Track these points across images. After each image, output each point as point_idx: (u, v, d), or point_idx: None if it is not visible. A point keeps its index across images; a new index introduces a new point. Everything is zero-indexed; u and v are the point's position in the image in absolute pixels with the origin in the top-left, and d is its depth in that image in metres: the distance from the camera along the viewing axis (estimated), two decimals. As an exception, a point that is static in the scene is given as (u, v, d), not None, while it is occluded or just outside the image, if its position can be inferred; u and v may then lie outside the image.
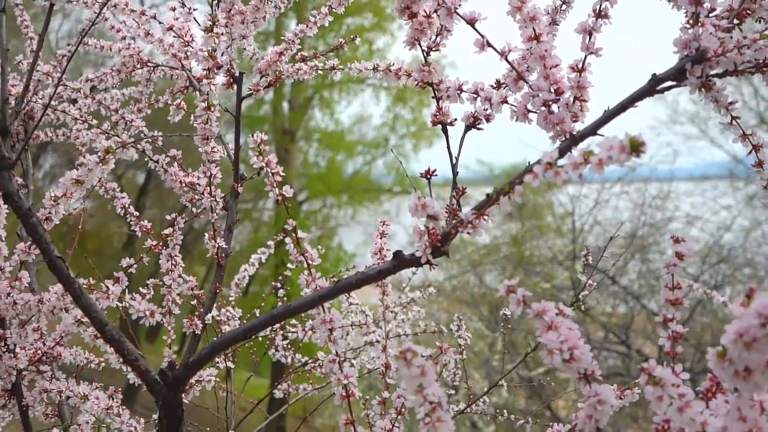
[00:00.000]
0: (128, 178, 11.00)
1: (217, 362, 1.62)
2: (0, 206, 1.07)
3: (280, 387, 1.94)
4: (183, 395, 1.01)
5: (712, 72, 0.78)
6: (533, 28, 0.85)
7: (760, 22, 0.82)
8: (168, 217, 1.22)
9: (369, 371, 1.67)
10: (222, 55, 1.25)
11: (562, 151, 0.79)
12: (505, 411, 1.93)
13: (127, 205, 1.35)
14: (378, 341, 1.60)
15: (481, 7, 0.89)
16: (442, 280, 8.95)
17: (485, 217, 0.79)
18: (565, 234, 8.96)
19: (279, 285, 2.05)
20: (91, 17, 1.44)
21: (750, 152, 0.83)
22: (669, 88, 0.79)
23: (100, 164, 1.05)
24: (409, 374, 0.63)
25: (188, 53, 1.32)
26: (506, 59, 0.87)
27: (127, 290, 1.15)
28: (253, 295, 8.28)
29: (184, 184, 1.28)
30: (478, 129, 0.98)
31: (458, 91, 0.95)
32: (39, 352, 1.20)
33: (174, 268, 1.23)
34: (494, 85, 0.95)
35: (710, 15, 0.79)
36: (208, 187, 1.25)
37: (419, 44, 0.95)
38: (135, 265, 1.18)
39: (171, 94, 1.49)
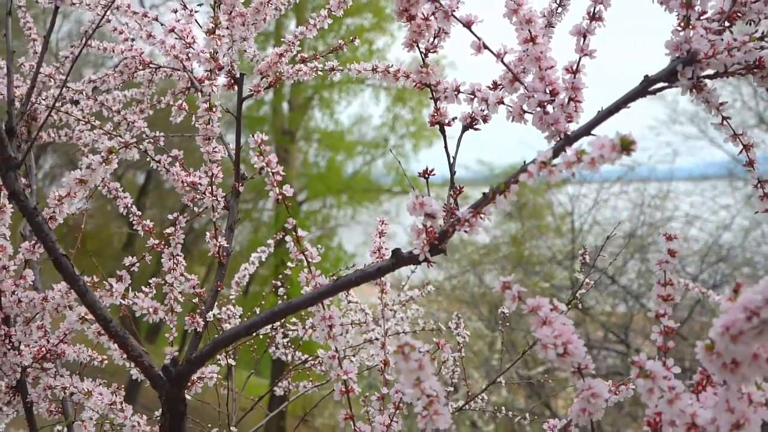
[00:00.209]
0: (128, 178, 11.02)
1: (219, 359, 1.64)
2: (5, 205, 1.09)
3: (280, 384, 1.96)
4: (185, 391, 1.03)
5: (703, 73, 0.79)
6: (529, 31, 0.87)
7: (750, 24, 0.84)
8: (170, 217, 1.24)
9: (368, 368, 1.69)
10: (223, 56, 1.26)
11: (557, 151, 0.81)
12: (503, 408, 1.95)
13: (129, 205, 1.37)
14: (377, 339, 1.62)
15: (479, 9, 0.90)
16: (441, 279, 8.97)
17: (482, 216, 0.81)
18: (565, 234, 8.99)
19: (279, 284, 2.07)
20: (93, 19, 1.46)
21: (741, 152, 0.84)
22: (661, 89, 0.80)
23: (104, 164, 1.07)
24: (407, 368, 0.65)
25: (190, 55, 1.34)
26: (502, 61, 0.89)
27: (130, 288, 1.17)
28: (253, 294, 8.30)
29: (185, 184, 1.29)
30: (475, 129, 0.99)
31: (455, 92, 0.97)
32: (43, 349, 1.21)
33: (176, 266, 1.25)
34: (491, 86, 0.96)
35: (701, 18, 0.81)
36: (210, 187, 1.27)
37: (417, 46, 0.97)
38: (138, 264, 1.20)
39: (173, 95, 1.51)
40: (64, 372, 1.24)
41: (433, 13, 0.89)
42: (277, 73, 1.40)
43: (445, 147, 0.98)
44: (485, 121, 0.99)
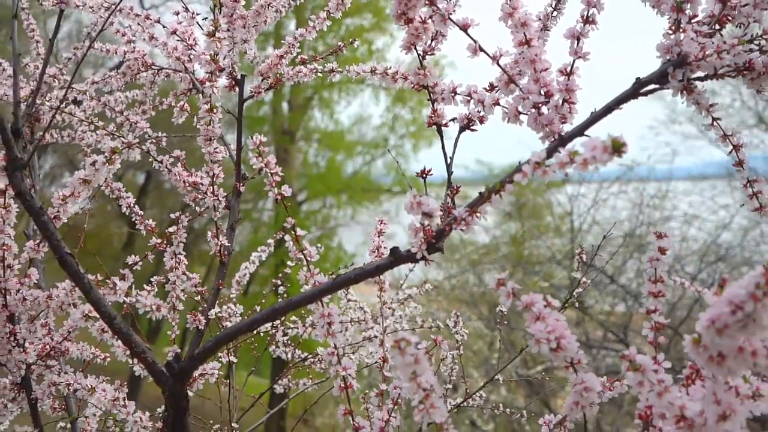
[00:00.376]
0: (128, 178, 11.03)
1: (220, 357, 1.66)
2: (11, 205, 1.10)
3: (280, 382, 1.98)
4: (187, 388, 1.05)
5: (694, 75, 0.81)
6: (524, 33, 0.89)
7: (740, 27, 0.85)
8: (172, 216, 1.26)
9: (367, 365, 1.71)
10: (224, 58, 1.28)
11: (551, 152, 0.83)
12: (500, 405, 1.97)
13: (132, 204, 1.39)
14: (376, 337, 1.64)
15: (477, 12, 0.92)
16: (441, 279, 8.99)
17: (478, 215, 0.83)
18: (564, 234, 9.01)
19: (279, 283, 2.09)
20: (95, 21, 1.48)
21: (730, 152, 0.86)
22: (652, 91, 0.82)
23: (107, 164, 1.09)
24: (403, 362, 0.67)
25: (191, 56, 1.36)
26: (498, 64, 0.91)
27: (133, 287, 1.19)
28: (253, 294, 8.33)
29: (187, 184, 1.31)
30: (472, 130, 1.01)
31: (452, 94, 0.99)
32: (47, 347, 1.23)
33: (178, 265, 1.27)
34: (487, 88, 0.98)
35: (692, 21, 0.83)
36: (211, 187, 1.29)
37: (415, 48, 0.99)
38: (140, 262, 1.22)
39: (174, 96, 1.53)
40: (68, 369, 1.26)
41: (431, 17, 0.91)
42: (278, 75, 1.42)
43: (443, 147, 1.00)
44: (482, 122, 1.01)
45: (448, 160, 1.01)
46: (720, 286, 0.60)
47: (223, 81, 1.36)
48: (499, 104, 0.95)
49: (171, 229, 1.24)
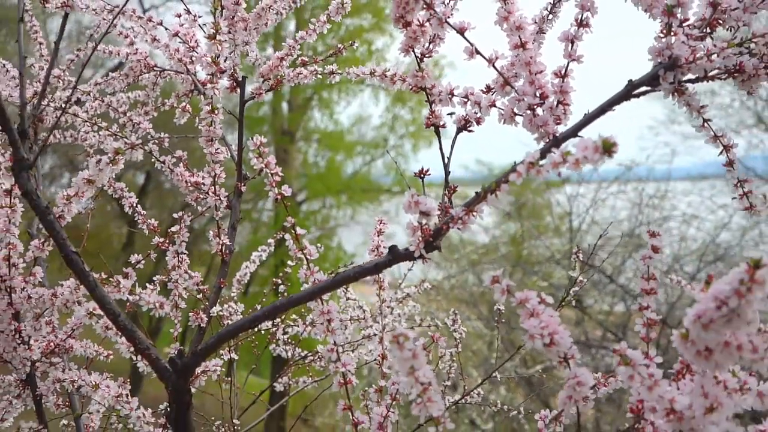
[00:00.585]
0: (128, 179, 11.05)
1: (222, 354, 1.68)
2: (16, 205, 1.12)
3: (280, 380, 2.00)
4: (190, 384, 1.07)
5: (685, 78, 0.83)
6: (519, 37, 0.91)
7: (730, 30, 0.87)
8: (174, 216, 1.28)
9: (366, 362, 1.73)
10: (225, 60, 1.30)
11: (545, 152, 0.85)
12: (498, 402, 1.99)
13: (134, 204, 1.41)
14: (375, 335, 1.66)
15: (475, 14, 0.94)
16: (440, 279, 9.00)
17: (474, 214, 0.85)
18: (563, 234, 9.02)
19: (279, 282, 2.11)
20: (97, 22, 1.50)
21: (721, 153, 0.88)
22: (644, 93, 0.84)
23: (111, 164, 1.11)
24: (401, 357, 0.69)
25: (193, 58, 1.38)
26: (494, 66, 0.93)
27: (136, 285, 1.21)
28: (253, 294, 8.35)
29: (189, 184, 1.33)
30: (469, 131, 1.03)
31: (449, 96, 1.01)
32: (51, 344, 1.25)
33: (180, 264, 1.29)
34: (484, 90, 1.00)
35: (683, 24, 0.85)
36: (213, 187, 1.31)
37: (413, 51, 1.01)
38: (143, 261, 1.24)
39: (176, 98, 1.55)
40: (72, 366, 1.28)
41: (428, 20, 0.93)
42: (279, 77, 1.44)
43: (440, 148, 1.02)
44: (478, 123, 1.03)
45: (446, 161, 1.03)
46: (707, 283, 0.62)
47: (224, 83, 1.38)
48: (495, 106, 0.97)
49: (174, 229, 1.26)
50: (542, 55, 0.94)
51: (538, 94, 0.91)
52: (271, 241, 2.11)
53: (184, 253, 1.29)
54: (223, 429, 1.82)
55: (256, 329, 1.90)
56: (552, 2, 1.01)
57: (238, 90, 1.40)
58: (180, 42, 1.38)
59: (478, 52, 0.92)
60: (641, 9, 0.89)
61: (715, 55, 0.81)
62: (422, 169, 1.05)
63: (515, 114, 0.94)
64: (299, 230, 0.99)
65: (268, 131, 10.50)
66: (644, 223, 8.10)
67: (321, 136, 11.48)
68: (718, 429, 0.64)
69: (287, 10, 1.43)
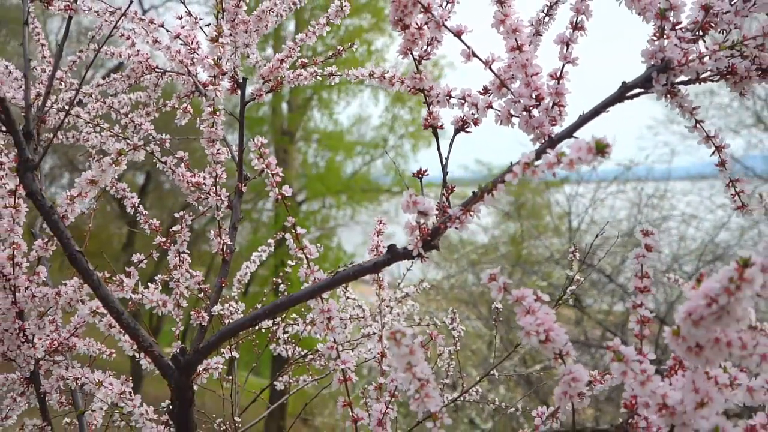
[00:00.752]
0: (128, 179, 11.07)
1: (223, 352, 1.70)
2: (20, 205, 1.14)
3: (280, 379, 2.02)
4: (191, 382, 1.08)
5: (677, 80, 0.85)
6: (515, 39, 0.92)
7: (722, 33, 0.89)
8: (176, 215, 1.29)
9: (366, 360, 1.74)
10: (226, 62, 1.32)
11: (540, 153, 0.86)
12: (496, 400, 2.01)
13: (136, 204, 1.43)
14: (374, 334, 1.67)
15: (474, 15, 0.96)
16: (440, 279, 9.01)
17: (471, 213, 0.86)
18: (563, 233, 9.04)
19: (279, 282, 2.13)
20: (98, 24, 1.52)
21: (713, 153, 0.90)
22: (638, 95, 0.86)
23: (113, 165, 1.13)
24: (399, 353, 0.71)
25: (194, 60, 1.39)
26: (490, 68, 0.94)
27: (139, 284, 1.23)
28: (253, 294, 8.36)
29: (190, 184, 1.35)
30: (467, 132, 1.05)
31: (447, 97, 1.02)
32: (55, 342, 1.27)
33: (182, 263, 1.30)
34: (481, 91, 1.02)
35: (676, 27, 0.86)
36: (214, 187, 1.33)
37: (411, 53, 1.02)
38: (145, 260, 1.26)
39: (178, 99, 1.57)
40: (75, 364, 1.30)
41: (426, 23, 0.94)
42: (279, 78, 1.46)
43: (438, 149, 1.03)
44: (476, 124, 1.04)
45: (443, 161, 1.05)
46: (698, 280, 0.63)
47: (225, 84, 1.39)
48: (492, 107, 0.99)
49: (175, 228, 1.28)
50: (538, 57, 0.96)
51: (534, 96, 0.92)
52: (271, 241, 2.12)
53: (186, 253, 1.30)
54: (224, 427, 1.84)
55: (256, 328, 1.92)
56: (548, 5, 1.03)
57: (239, 91, 1.42)
58: (181, 44, 1.39)
59: (474, 55, 0.94)
60: (635, 12, 0.90)
61: (707, 57, 0.82)
62: (420, 169, 1.07)
63: (512, 115, 0.95)
64: (299, 230, 1.00)
65: (268, 131, 10.52)
66: (643, 223, 8.11)
67: (321, 137, 11.50)
68: (709, 423, 0.65)
69: (287, 12, 1.45)
